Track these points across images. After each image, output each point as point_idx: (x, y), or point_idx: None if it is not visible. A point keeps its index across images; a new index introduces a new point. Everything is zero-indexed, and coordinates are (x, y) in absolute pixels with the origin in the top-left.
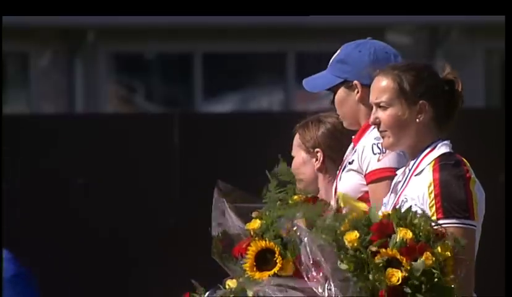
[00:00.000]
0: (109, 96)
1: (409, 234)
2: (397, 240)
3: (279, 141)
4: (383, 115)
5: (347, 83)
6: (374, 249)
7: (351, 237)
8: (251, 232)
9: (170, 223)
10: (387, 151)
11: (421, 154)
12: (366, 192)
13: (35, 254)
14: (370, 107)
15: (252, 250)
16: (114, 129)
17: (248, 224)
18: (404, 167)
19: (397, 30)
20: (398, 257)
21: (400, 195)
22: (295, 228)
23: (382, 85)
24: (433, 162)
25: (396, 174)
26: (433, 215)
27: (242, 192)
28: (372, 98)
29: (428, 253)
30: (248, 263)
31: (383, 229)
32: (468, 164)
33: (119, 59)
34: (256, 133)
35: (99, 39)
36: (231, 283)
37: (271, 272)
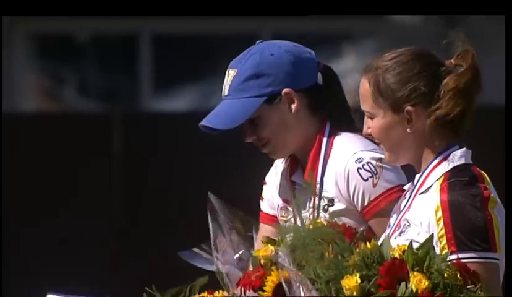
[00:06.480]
0: (30, 90)
1: (424, 284)
2: (408, 288)
3: (249, 148)
4: (372, 126)
5: (272, 100)
6: None
7: (350, 284)
8: (261, 261)
9: (111, 251)
10: (378, 171)
11: (428, 166)
12: (367, 231)
13: None
14: (314, 117)
15: (272, 281)
16: (36, 131)
17: (257, 250)
18: (410, 182)
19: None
20: None
21: (401, 217)
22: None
23: (362, 89)
24: (442, 178)
25: (404, 190)
26: (444, 248)
27: (234, 210)
28: (360, 105)
29: None
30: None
31: (395, 272)
32: (487, 179)
33: (43, 41)
34: (219, 137)
35: (16, 16)
36: None
37: None
